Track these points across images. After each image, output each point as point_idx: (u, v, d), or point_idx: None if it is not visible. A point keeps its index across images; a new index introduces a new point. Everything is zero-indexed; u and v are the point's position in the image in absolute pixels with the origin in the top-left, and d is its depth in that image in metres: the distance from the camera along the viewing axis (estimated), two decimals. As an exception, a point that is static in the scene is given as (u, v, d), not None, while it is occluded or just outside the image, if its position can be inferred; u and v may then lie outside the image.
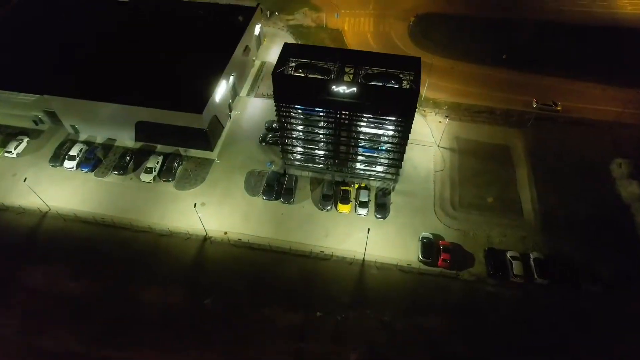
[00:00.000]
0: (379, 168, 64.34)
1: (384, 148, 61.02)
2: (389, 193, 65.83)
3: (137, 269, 58.01)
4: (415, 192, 66.51)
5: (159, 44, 77.06)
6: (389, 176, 65.16)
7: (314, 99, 55.37)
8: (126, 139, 72.80)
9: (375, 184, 66.97)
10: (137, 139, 72.67)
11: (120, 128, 71.07)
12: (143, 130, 70.94)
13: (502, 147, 73.20)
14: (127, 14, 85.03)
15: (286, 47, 56.95)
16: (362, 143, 61.21)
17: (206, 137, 69.24)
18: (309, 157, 65.98)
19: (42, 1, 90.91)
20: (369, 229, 55.65)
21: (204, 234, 61.15)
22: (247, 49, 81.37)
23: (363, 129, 59.27)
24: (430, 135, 74.62)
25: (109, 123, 70.61)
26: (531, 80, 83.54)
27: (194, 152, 71.43)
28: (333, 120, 58.03)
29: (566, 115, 77.53)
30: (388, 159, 62.39)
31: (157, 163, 68.50)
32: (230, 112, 77.70)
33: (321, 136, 62.10)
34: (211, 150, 71.65)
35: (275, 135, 71.28)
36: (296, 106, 57.99)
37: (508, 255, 58.58)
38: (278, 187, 66.18)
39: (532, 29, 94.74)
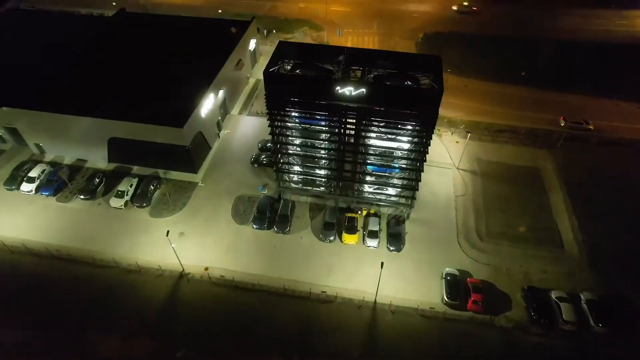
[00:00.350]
0: (392, 191, 54.36)
1: (397, 165, 51.24)
2: (403, 221, 55.54)
3: (95, 314, 46.71)
4: (434, 220, 56.27)
5: (140, 56, 69.24)
6: (403, 201, 55.07)
7: (314, 103, 46.25)
8: (98, 160, 63.20)
9: (386, 210, 56.84)
10: (110, 160, 63.06)
11: (92, 146, 61.62)
12: (117, 149, 61.49)
13: (531, 170, 63.68)
14: (109, 28, 77.91)
15: (281, 45, 48.47)
16: (371, 160, 51.52)
17: (189, 157, 59.68)
18: (308, 179, 56.17)
19: (25, 16, 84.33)
20: (382, 263, 44.91)
21: (180, 269, 50.30)
22: (240, 63, 73.48)
23: (373, 142, 49.79)
24: (448, 157, 65.32)
25: (79, 141, 61.23)
26: (554, 98, 75.70)
27: (175, 175, 61.65)
28: (337, 130, 48.65)
29: (599, 135, 68.65)
30: (403, 178, 52.49)
31: (131, 186, 58.56)
32: (220, 131, 68.68)
33: (322, 152, 52.54)
34: (195, 172, 61.91)
35: (270, 156, 61.83)
36: (292, 113, 48.74)
37: (553, 296, 47.61)
38: (271, 214, 55.98)
39: (550, 46, 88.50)
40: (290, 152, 53.39)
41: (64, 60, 68.01)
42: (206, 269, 50.59)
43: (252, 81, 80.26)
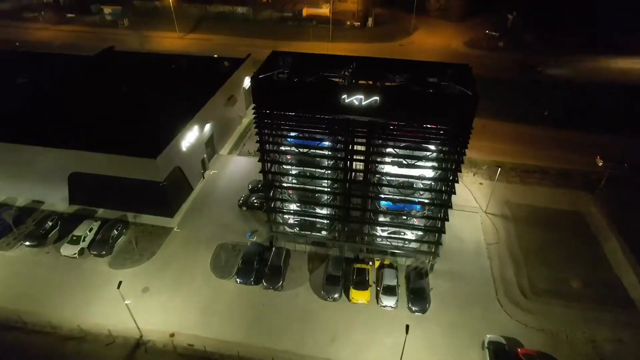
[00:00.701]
0: (412, 234, 43.68)
1: (418, 200, 41.10)
2: (427, 274, 44.25)
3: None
4: (464, 272, 45.02)
5: (118, 89, 61.85)
6: (425, 248, 44.25)
7: (313, 118, 37.25)
8: (58, 201, 53.01)
9: (404, 260, 45.76)
10: (72, 201, 52.94)
11: (50, 184, 51.78)
12: (80, 188, 51.66)
13: (572, 214, 53.44)
14: (90, 64, 71.64)
15: (274, 54, 40.50)
16: (386, 193, 41.47)
17: (163, 196, 49.70)
18: (307, 220, 45.73)
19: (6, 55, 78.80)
20: (407, 327, 33.05)
21: (138, 335, 38.18)
22: (232, 99, 66.04)
23: (388, 169, 40.13)
24: (472, 199, 55.41)
25: (34, 177, 51.54)
26: (581, 137, 67.68)
27: (147, 219, 51.18)
28: (342, 155, 39.12)
29: (643, 175, 59.35)
30: (425, 217, 42.06)
31: (90, 230, 47.89)
32: (205, 171, 59.31)
33: (324, 184, 42.65)
34: (170, 215, 51.51)
35: (261, 197, 51.81)
36: (287, 132, 39.56)
37: (640, 375, 35.28)
38: (260, 265, 44.84)
39: (568, 87, 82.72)
40: (285, 184, 43.47)
41: (28, 94, 60.49)
42: (172, 335, 38.48)
43: (245, 121, 72.45)
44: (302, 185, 42.59)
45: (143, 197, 50.21)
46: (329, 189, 42.64)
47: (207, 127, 59.08)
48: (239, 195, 54.68)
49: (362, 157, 38.69)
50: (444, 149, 37.25)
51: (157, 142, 48.56)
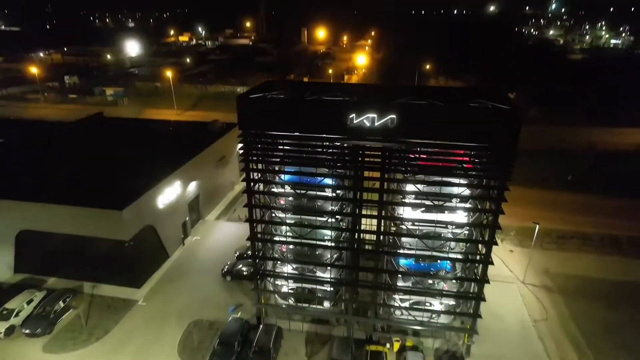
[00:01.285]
0: (440, 305, 33.67)
1: (448, 253, 31.93)
2: (462, 358, 33.28)
3: None
4: (512, 357, 34.04)
5: (96, 147, 55.86)
6: (458, 324, 33.92)
7: (314, 145, 29.89)
8: (2, 268, 43.49)
9: (432, 341, 35.01)
10: (18, 268, 43.47)
11: (-6, 247, 42.82)
12: (29, 250, 42.62)
13: (633, 285, 43.50)
14: (73, 127, 66.83)
15: (268, 82, 34.47)
16: (406, 246, 32.47)
17: (129, 260, 40.48)
18: (304, 289, 35.93)
19: None
20: None
21: None
22: (223, 160, 59.67)
23: (408, 213, 31.64)
24: (505, 268, 45.91)
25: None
26: (611, 202, 60.29)
27: (108, 290, 41.26)
28: (351, 194, 31.00)
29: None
30: (458, 278, 32.51)
31: (29, 302, 37.83)
32: (186, 237, 50.55)
33: (326, 237, 33.80)
34: (137, 285, 41.72)
35: (250, 264, 42.34)
36: (280, 164, 31.82)
37: None
38: (243, 348, 34.07)
39: (587, 154, 77.85)
40: (277, 238, 34.60)
41: None
42: None
43: (237, 188, 65.23)
44: (299, 239, 33.65)
45: (105, 261, 41.00)
46: (332, 243, 33.65)
47: (192, 187, 51.71)
48: (224, 263, 45.31)
49: (375, 197, 30.45)
50: (481, 178, 29.23)
51: (126, 193, 40.73)
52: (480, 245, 31.17)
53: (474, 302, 32.31)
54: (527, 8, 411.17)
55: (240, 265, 44.19)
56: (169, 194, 46.17)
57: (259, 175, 32.29)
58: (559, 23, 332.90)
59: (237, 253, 47.17)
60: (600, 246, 50.13)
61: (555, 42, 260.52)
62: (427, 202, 30.32)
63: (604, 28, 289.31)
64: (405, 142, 28.79)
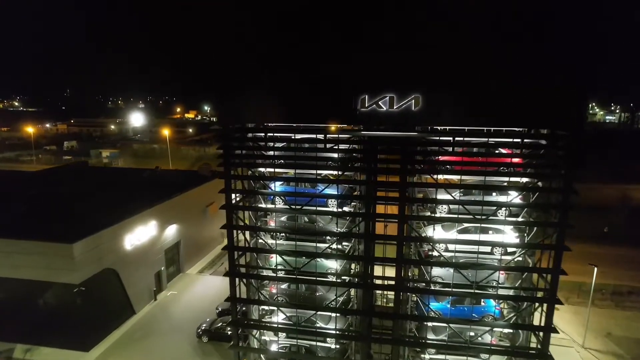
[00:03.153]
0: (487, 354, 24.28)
1: (494, 290, 23.37)
2: None
3: None
4: None
5: (67, 188, 49.10)
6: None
7: (311, 140, 22.93)
8: None
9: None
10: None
11: None
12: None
13: None
14: (51, 174, 60.72)
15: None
16: (439, 280, 24.02)
17: (76, 312, 31.61)
18: (300, 349, 26.68)
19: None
20: None
21: None
22: (212, 205, 52.26)
23: (439, 232, 23.71)
24: (558, 330, 36.20)
25: None
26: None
27: (48, 355, 31.84)
28: (360, 206, 23.40)
29: None
30: (511, 325, 23.55)
31: None
32: (160, 290, 41.78)
33: (329, 269, 25.48)
34: (85, 348, 32.27)
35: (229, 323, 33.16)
36: (269, 169, 24.55)
37: None
38: None
39: (620, 208, 71.03)
40: (265, 272, 26.28)
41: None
42: None
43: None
44: (293, 275, 25.33)
45: (45, 315, 32.12)
46: (335, 278, 25.25)
47: (171, 231, 44.03)
48: (202, 320, 36.13)
49: (393, 210, 22.85)
50: (540, 179, 21.79)
51: (83, 227, 33.09)
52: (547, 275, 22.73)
53: (536, 361, 23.09)
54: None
55: (221, 323, 34.97)
56: (141, 234, 38.41)
57: (243, 184, 25.04)
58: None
59: (219, 309, 38.12)
60: (667, 303, 40.87)
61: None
62: (468, 217, 22.53)
63: (595, 107, 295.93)
64: (435, 132, 21.94)
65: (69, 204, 41.22)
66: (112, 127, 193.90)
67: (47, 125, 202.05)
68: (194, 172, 58.44)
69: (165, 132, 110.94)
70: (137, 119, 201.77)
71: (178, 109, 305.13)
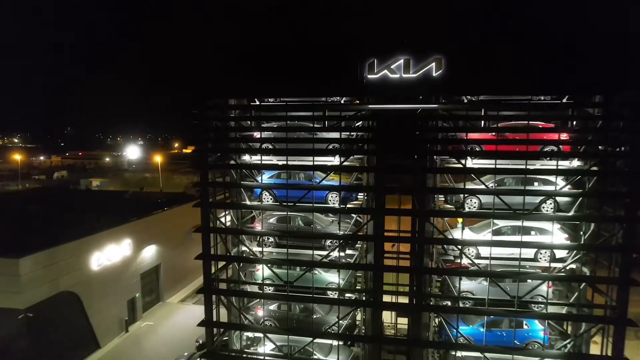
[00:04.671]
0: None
1: (541, 307, 18.10)
2: None
3: None
4: None
5: (40, 206, 44.21)
6: None
7: (303, 126, 18.44)
8: None
9: None
10: None
11: None
12: None
13: None
14: (35, 194, 55.91)
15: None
16: (467, 295, 18.79)
17: (19, 344, 25.95)
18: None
19: None
20: None
21: None
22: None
23: (470, 233, 18.78)
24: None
25: None
26: None
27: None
28: (366, 199, 18.54)
29: None
30: (561, 350, 18.14)
31: None
32: (133, 321, 36.09)
33: (329, 283, 20.28)
34: (31, 387, 26.37)
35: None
36: (253, 157, 19.89)
37: None
38: None
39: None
40: (248, 289, 21.07)
41: None
42: None
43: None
44: (284, 292, 20.15)
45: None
46: (337, 295, 20.04)
47: (149, 253, 38.80)
48: (178, 354, 30.39)
49: (408, 203, 18.05)
50: (593, 163, 17.12)
51: (37, 241, 28.05)
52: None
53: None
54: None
55: (200, 359, 29.14)
56: (112, 253, 33.21)
57: (223, 177, 20.37)
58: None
59: (199, 342, 32.28)
60: None
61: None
62: (505, 212, 17.69)
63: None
64: (462, 104, 17.53)
65: (31, 219, 36.25)
66: (107, 159, 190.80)
67: (41, 157, 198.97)
68: (182, 193, 53.77)
69: (157, 158, 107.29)
70: (133, 152, 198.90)
71: (176, 144, 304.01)
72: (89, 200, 49.99)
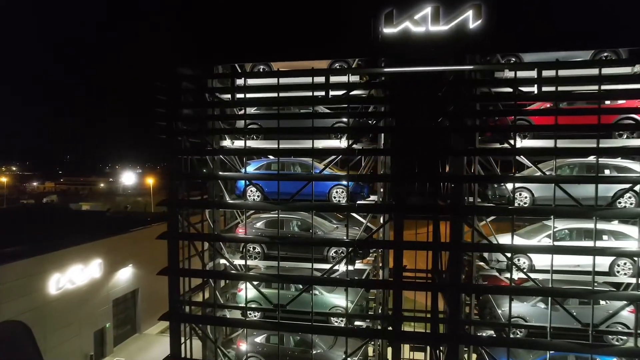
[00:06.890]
0: None
1: (612, 321, 13.21)
2: None
3: None
4: None
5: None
6: None
7: (298, 98, 14.11)
8: None
9: None
10: None
11: None
12: None
13: None
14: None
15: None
16: (520, 322, 13.88)
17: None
18: None
19: None
20: None
21: None
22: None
23: (520, 239, 14.10)
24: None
25: None
26: None
27: None
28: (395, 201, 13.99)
29: None
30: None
31: None
32: (101, 356, 30.82)
33: (336, 307, 15.40)
34: None
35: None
36: (236, 139, 15.48)
37: None
38: None
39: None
40: (228, 315, 16.20)
41: None
42: None
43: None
44: (275, 318, 15.30)
45: None
46: (345, 322, 15.18)
47: (124, 275, 33.79)
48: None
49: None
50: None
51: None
52: None
53: None
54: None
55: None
56: (75, 275, 28.32)
57: (200, 165, 15.95)
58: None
59: (177, 382, 26.93)
60: None
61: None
62: (570, 208, 13.14)
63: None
64: (507, 65, 13.28)
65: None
66: (102, 185, 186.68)
67: (35, 183, 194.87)
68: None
69: (149, 180, 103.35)
70: (129, 178, 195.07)
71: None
72: (62, 218, 45.28)
